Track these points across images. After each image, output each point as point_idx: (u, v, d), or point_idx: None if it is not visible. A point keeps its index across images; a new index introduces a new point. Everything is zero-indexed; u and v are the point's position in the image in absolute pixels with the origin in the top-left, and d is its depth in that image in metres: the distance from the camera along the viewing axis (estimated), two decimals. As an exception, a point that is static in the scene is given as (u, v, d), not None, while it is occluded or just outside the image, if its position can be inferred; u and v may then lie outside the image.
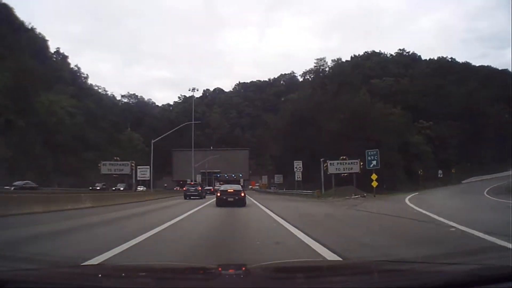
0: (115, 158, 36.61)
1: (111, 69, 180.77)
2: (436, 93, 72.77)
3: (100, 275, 2.44)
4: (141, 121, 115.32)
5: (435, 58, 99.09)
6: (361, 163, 32.68)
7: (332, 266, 3.41)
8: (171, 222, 11.25)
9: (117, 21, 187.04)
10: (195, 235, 9.08)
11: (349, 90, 53.66)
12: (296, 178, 44.33)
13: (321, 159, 39.25)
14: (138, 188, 43.62)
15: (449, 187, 50.56)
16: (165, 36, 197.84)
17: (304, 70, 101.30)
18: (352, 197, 31.33)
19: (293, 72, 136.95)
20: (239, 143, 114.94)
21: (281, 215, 14.02)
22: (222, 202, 19.44)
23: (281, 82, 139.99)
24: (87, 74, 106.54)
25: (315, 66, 60.31)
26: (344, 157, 33.44)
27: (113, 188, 40.93)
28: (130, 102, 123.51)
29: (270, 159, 78.45)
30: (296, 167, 44.53)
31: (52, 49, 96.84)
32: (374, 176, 31.65)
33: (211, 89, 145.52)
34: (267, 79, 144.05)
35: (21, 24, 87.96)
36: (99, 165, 35.89)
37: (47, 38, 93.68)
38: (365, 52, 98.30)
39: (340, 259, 5.52)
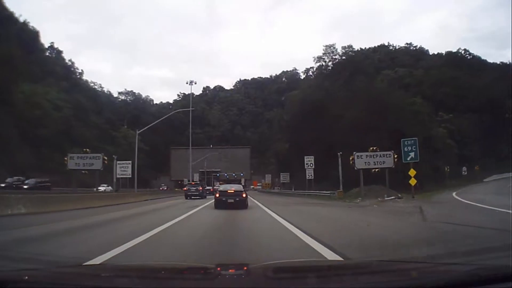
0: (85, 149, 28.60)
1: (111, 69, 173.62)
2: (452, 85, 65.61)
3: (100, 275, 2.42)
4: (138, 118, 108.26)
5: (443, 53, 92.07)
6: (396, 156, 25.34)
7: (333, 266, 3.29)
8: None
9: (117, 21, 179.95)
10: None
11: (363, 78, 46.32)
12: (307, 176, 36.96)
13: (339, 153, 32.05)
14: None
15: (479, 185, 43.39)
16: (165, 35, 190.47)
17: (307, 67, 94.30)
18: (386, 198, 24.04)
19: (295, 69, 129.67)
20: (240, 141, 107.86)
21: (307, 229, 8.60)
22: (221, 204, 16.88)
23: (283, 79, 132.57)
24: (82, 70, 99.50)
25: (323, 53, 52.57)
26: (374, 148, 26.10)
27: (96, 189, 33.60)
28: (127, 99, 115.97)
29: (273, 157, 71.06)
30: (307, 164, 37.19)
31: (47, 45, 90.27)
32: (412, 172, 24.41)
33: (211, 87, 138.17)
34: (268, 76, 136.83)
35: (10, 15, 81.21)
36: (65, 158, 27.92)
37: (41, 32, 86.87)
38: (370, 47, 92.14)
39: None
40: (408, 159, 24.91)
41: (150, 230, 8.39)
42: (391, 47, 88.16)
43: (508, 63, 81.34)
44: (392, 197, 24.39)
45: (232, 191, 17.55)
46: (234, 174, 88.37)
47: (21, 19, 78.33)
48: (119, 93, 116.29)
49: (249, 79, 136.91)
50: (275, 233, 8.49)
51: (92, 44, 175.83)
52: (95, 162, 26.67)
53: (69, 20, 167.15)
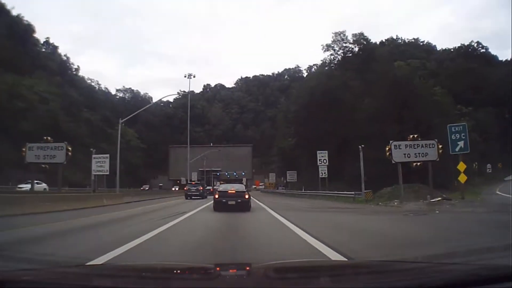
0: (46, 137, 22.28)
1: (111, 68, 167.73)
2: (469, 77, 59.84)
3: (100, 275, 2.30)
4: (136, 116, 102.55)
5: (452, 49, 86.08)
6: (440, 146, 19.50)
7: (333, 266, 3.20)
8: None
9: (117, 20, 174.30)
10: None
11: (378, 66, 40.43)
12: (320, 174, 31.03)
13: (360, 146, 26.31)
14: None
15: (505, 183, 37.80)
16: (166, 33, 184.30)
17: (310, 64, 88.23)
18: (431, 200, 18.20)
19: (298, 66, 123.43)
20: (241, 140, 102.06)
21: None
22: (221, 205, 14.86)
23: (285, 76, 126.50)
24: (78, 66, 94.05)
25: (333, 41, 46.59)
26: (415, 135, 20.23)
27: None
28: (126, 96, 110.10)
29: (277, 155, 64.96)
30: (320, 160, 31.30)
31: (43, 41, 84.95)
32: (462, 166, 18.65)
33: (212, 85, 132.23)
34: (270, 74, 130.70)
35: (1, 6, 76.13)
36: (23, 149, 21.47)
37: (39, 30, 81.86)
38: (377, 42, 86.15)
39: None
40: (457, 149, 19.15)
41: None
42: (400, 40, 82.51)
43: None
44: (438, 198, 18.56)
45: (233, 192, 15.45)
46: (235, 174, 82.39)
47: (15, 13, 72.98)
48: (117, 90, 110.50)
49: (251, 76, 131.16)
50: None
51: (92, 44, 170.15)
52: (57, 153, 20.78)
53: (70, 20, 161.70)
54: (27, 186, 24.48)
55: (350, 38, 47.43)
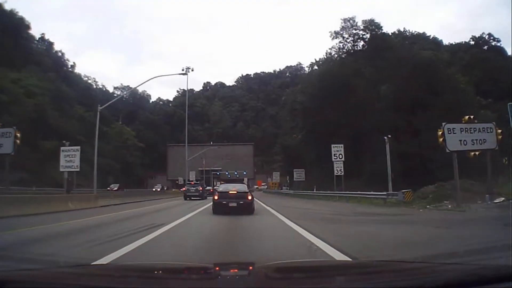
0: None
1: (110, 68, 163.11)
2: (484, 68, 55.31)
3: (100, 275, 2.23)
4: (134, 114, 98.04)
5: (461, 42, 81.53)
6: (500, 131, 15.02)
7: (335, 266, 3.19)
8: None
9: (117, 20, 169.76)
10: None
11: (397, 51, 35.99)
12: (335, 171, 26.26)
13: (386, 136, 21.80)
14: None
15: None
16: (165, 32, 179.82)
17: (311, 62, 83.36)
18: (493, 202, 13.55)
19: (300, 64, 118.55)
20: (242, 138, 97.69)
21: None
22: (220, 207, 13.39)
23: (287, 74, 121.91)
24: (74, 63, 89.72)
25: (341, 28, 42.02)
26: (470, 116, 15.67)
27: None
28: (123, 94, 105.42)
29: (281, 153, 60.32)
30: (335, 155, 26.54)
31: (38, 37, 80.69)
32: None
33: (212, 83, 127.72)
34: (272, 71, 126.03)
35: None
36: None
37: (39, 30, 77.47)
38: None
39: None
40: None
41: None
42: (407, 33, 77.97)
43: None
44: (502, 199, 13.92)
45: (235, 192, 14.07)
46: (236, 173, 77.80)
47: (8, 7, 68.57)
48: (115, 88, 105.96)
49: (251, 74, 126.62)
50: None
51: (92, 44, 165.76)
52: (4, 142, 16.18)
53: (71, 20, 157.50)
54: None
55: (360, 25, 43.00)
